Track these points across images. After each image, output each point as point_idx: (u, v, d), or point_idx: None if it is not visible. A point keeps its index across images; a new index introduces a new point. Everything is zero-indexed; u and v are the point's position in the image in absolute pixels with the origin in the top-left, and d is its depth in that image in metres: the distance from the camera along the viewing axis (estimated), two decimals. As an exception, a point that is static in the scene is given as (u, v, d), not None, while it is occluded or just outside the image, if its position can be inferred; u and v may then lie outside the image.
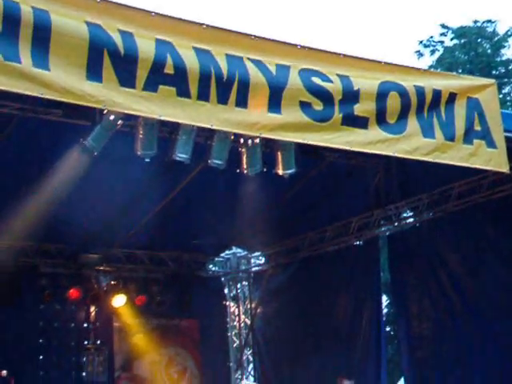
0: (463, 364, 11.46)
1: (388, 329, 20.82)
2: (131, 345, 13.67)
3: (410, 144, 8.31)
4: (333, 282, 13.29)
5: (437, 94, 8.48)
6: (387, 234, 12.92)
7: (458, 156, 8.48)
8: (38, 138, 9.56)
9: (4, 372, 8.41)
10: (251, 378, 14.15)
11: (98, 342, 13.29)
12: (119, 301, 13.25)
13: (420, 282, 12.23)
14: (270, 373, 14.14)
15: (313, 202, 12.58)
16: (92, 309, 13.24)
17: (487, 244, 11.14)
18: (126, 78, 7.20)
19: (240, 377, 14.48)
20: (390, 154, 8.43)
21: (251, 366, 14.92)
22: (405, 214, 12.36)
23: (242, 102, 7.71)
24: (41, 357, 12.63)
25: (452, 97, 8.56)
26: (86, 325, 13.28)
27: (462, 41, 24.71)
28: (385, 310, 18.22)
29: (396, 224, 12.42)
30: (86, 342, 13.18)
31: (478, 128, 8.65)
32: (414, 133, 8.31)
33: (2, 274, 11.98)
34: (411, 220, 12.35)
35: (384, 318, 15.15)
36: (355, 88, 8.12)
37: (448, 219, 11.60)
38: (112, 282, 13.31)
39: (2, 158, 9.80)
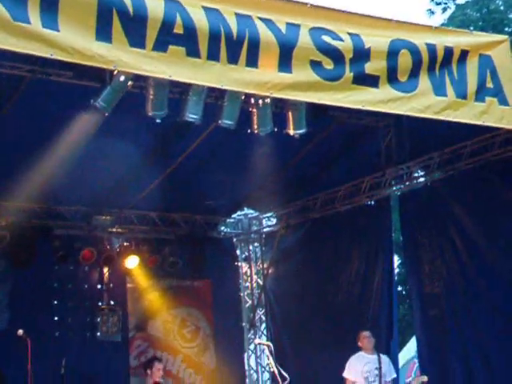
0: (475, 323, 11.50)
1: (400, 289, 20.94)
2: (144, 305, 13.77)
3: (422, 102, 8.28)
4: (344, 241, 13.32)
5: (448, 51, 8.43)
6: (399, 193, 12.93)
7: (470, 114, 8.44)
8: (48, 100, 9.56)
9: (20, 331, 8.51)
10: (264, 338, 14.24)
11: (112, 302, 13.40)
12: (132, 262, 13.33)
13: (432, 241, 12.22)
14: (282, 332, 14.23)
15: (324, 162, 12.58)
16: (105, 270, 13.31)
17: (499, 203, 11.10)
18: (136, 39, 7.20)
19: (253, 336, 14.58)
20: (402, 112, 8.41)
21: (264, 325, 15.02)
22: (416, 174, 12.35)
23: (252, 61, 7.70)
24: (56, 318, 12.74)
25: (464, 54, 8.50)
26: (99, 286, 13.37)
27: (474, -3, 24.45)
28: (396, 270, 18.27)
29: (407, 183, 12.40)
30: (99, 303, 13.27)
31: (490, 85, 8.60)
32: (426, 91, 8.27)
33: (16, 235, 12.08)
34: (423, 179, 12.33)
35: (396, 278, 15.19)
36: (366, 46, 8.09)
37: (460, 178, 11.56)
38: (125, 244, 13.38)
39: (14, 121, 9.83)
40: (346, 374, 10.45)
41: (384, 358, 10.53)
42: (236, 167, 12.28)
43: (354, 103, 8.20)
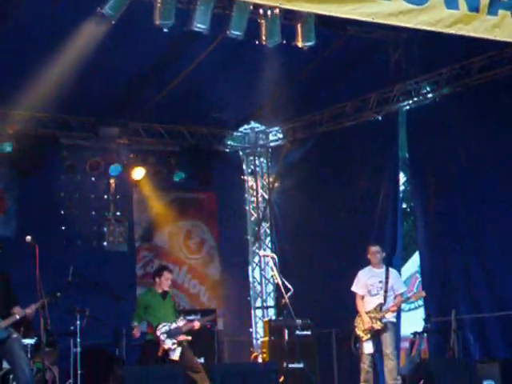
0: (478, 239, 11.61)
1: (404, 206, 20.97)
2: (151, 217, 13.90)
3: (433, 15, 8.10)
4: (350, 157, 13.32)
5: (460, -39, 8.22)
6: (406, 109, 12.86)
7: (482, 28, 8.25)
8: (56, 7, 9.45)
9: (28, 238, 8.59)
10: (268, 251, 14.38)
11: (118, 213, 13.52)
12: (138, 173, 13.38)
13: (439, 158, 12.23)
14: (287, 246, 14.38)
15: (332, 76, 12.48)
16: (112, 181, 13.37)
17: (507, 119, 11.05)
18: None
19: (257, 250, 14.73)
20: (412, 26, 8.25)
21: (268, 239, 15.18)
22: (425, 90, 12.27)
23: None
24: (63, 227, 12.89)
25: (476, -36, 8.29)
26: (106, 196, 13.47)
27: None
28: (401, 188, 18.28)
29: (416, 99, 12.36)
30: (106, 213, 13.43)
31: (503, -3, 8.41)
32: (437, 3, 8.08)
33: (23, 144, 12.11)
34: (431, 95, 12.26)
35: (401, 195, 15.24)
36: (376, -46, 7.90)
37: (468, 94, 11.50)
38: (131, 155, 13.40)
39: (21, 28, 9.76)
40: (353, 288, 10.56)
41: (392, 271, 10.56)
42: (244, 80, 12.22)
43: (363, 15, 8.03)
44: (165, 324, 10.02)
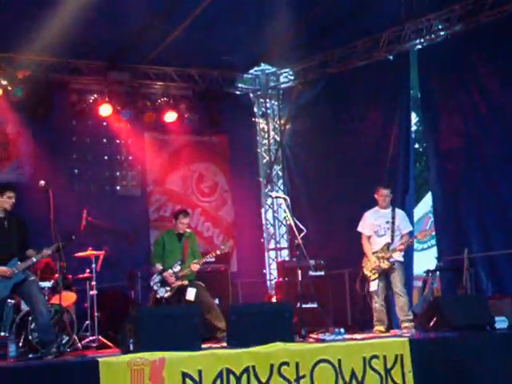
0: (491, 176, 11.59)
1: (416, 146, 20.94)
2: (163, 160, 13.91)
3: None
4: (361, 97, 13.26)
5: None
6: (418, 48, 12.73)
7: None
8: None
9: (42, 182, 8.65)
10: (281, 192, 14.43)
11: (130, 157, 13.54)
12: (149, 117, 13.35)
13: (451, 97, 12.13)
14: (299, 187, 14.40)
15: (342, 15, 12.30)
16: (123, 125, 13.35)
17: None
18: None
19: (270, 193, 14.75)
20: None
21: (281, 181, 15.20)
22: (437, 27, 12.12)
23: None
24: (75, 171, 12.93)
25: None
26: (118, 141, 13.48)
27: None
28: (413, 128, 18.21)
29: (427, 37, 12.22)
30: (118, 157, 13.44)
31: None
32: None
33: (35, 89, 12.09)
34: (443, 33, 12.12)
35: (413, 136, 15.18)
36: None
37: (481, 31, 11.36)
38: (142, 99, 13.34)
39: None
40: (359, 229, 10.64)
41: (398, 211, 10.65)
42: (253, 21, 12.11)
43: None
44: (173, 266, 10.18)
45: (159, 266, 10.32)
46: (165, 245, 10.47)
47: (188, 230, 10.75)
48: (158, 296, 10.19)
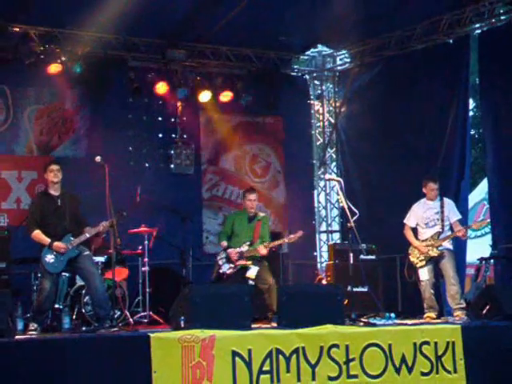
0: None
1: (473, 132, 20.65)
2: (216, 140, 13.95)
3: None
4: (419, 81, 13.08)
5: None
6: (478, 32, 12.52)
7: None
8: None
9: (98, 158, 8.72)
10: (334, 175, 14.35)
11: (185, 136, 13.59)
12: (205, 96, 13.38)
13: (511, 83, 11.94)
14: (352, 170, 14.32)
15: (402, -2, 12.17)
16: (179, 103, 13.40)
17: None
18: None
19: (323, 175, 14.71)
20: None
21: (334, 164, 15.14)
22: (498, 11, 11.90)
23: None
24: (130, 148, 13.02)
25: None
26: (173, 119, 13.53)
27: None
28: (470, 114, 17.97)
29: (488, 21, 12.00)
30: (173, 136, 13.51)
31: None
32: None
33: (93, 65, 12.19)
34: (505, 17, 11.89)
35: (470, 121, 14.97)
36: None
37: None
38: (198, 78, 13.37)
39: None
40: (406, 220, 10.67)
41: (447, 200, 10.63)
42: (311, 2, 12.02)
43: None
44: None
45: (224, 243, 10.39)
46: (234, 224, 10.50)
47: (262, 214, 10.78)
48: (220, 271, 10.25)
